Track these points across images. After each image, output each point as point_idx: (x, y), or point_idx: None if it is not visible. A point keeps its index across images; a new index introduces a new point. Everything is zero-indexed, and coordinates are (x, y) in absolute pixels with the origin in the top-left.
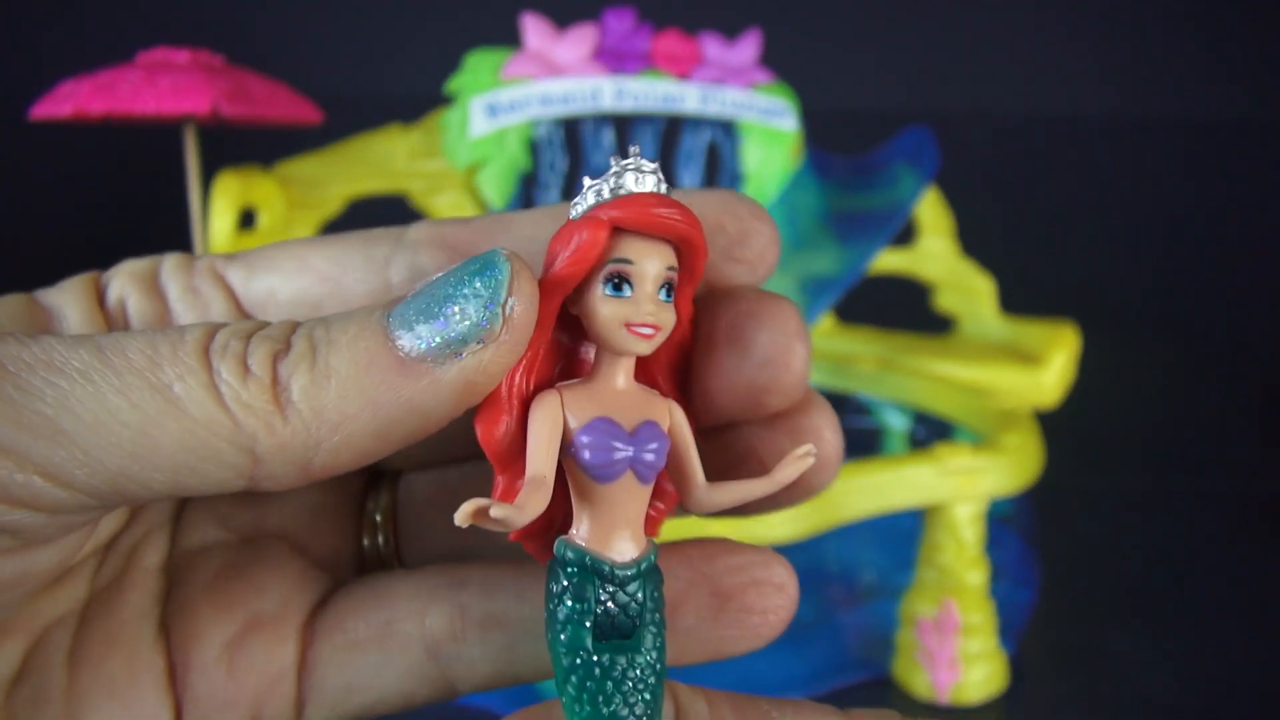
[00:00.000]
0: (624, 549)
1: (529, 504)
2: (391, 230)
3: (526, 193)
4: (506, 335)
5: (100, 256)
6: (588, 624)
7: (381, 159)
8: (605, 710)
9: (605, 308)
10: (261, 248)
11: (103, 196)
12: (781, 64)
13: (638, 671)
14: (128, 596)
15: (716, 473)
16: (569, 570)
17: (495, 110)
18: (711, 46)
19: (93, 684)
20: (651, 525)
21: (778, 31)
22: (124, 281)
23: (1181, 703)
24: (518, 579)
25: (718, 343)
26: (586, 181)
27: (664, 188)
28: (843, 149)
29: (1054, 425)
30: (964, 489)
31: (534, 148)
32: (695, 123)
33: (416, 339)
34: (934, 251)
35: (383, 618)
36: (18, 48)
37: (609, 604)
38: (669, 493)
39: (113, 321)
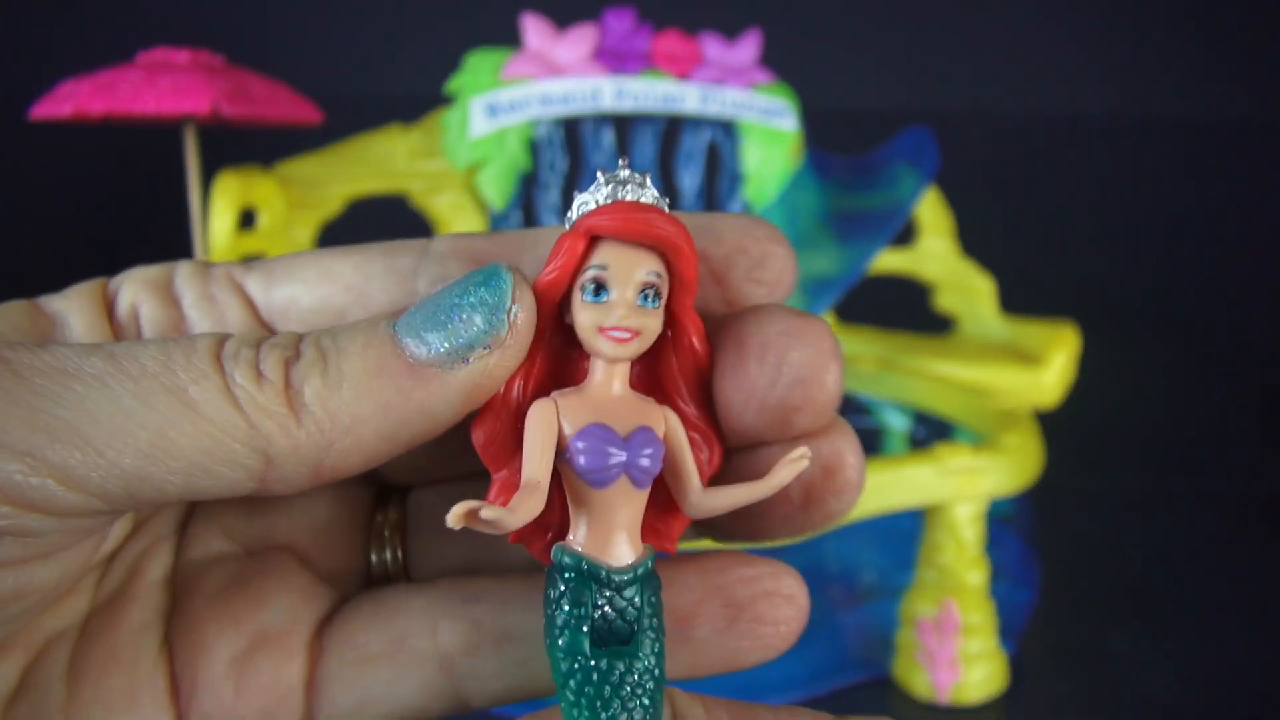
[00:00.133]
0: (620, 554)
1: (521, 507)
2: (412, 242)
3: (526, 193)
4: (511, 340)
5: (100, 257)
6: (585, 629)
7: (381, 159)
8: (604, 715)
9: (584, 313)
10: (278, 257)
11: (103, 196)
12: (781, 64)
13: (636, 677)
14: (129, 610)
15: None
16: (566, 575)
17: (495, 110)
18: (711, 46)
19: (92, 700)
20: (669, 539)
21: (778, 31)
22: (136, 288)
23: (1181, 703)
24: (530, 592)
25: (748, 361)
26: (577, 196)
27: (650, 196)
28: (843, 149)
29: (1054, 425)
30: (964, 489)
31: (534, 148)
32: (695, 123)
33: (425, 345)
34: (934, 251)
35: (394, 633)
36: (18, 48)
37: (606, 609)
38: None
39: (122, 329)
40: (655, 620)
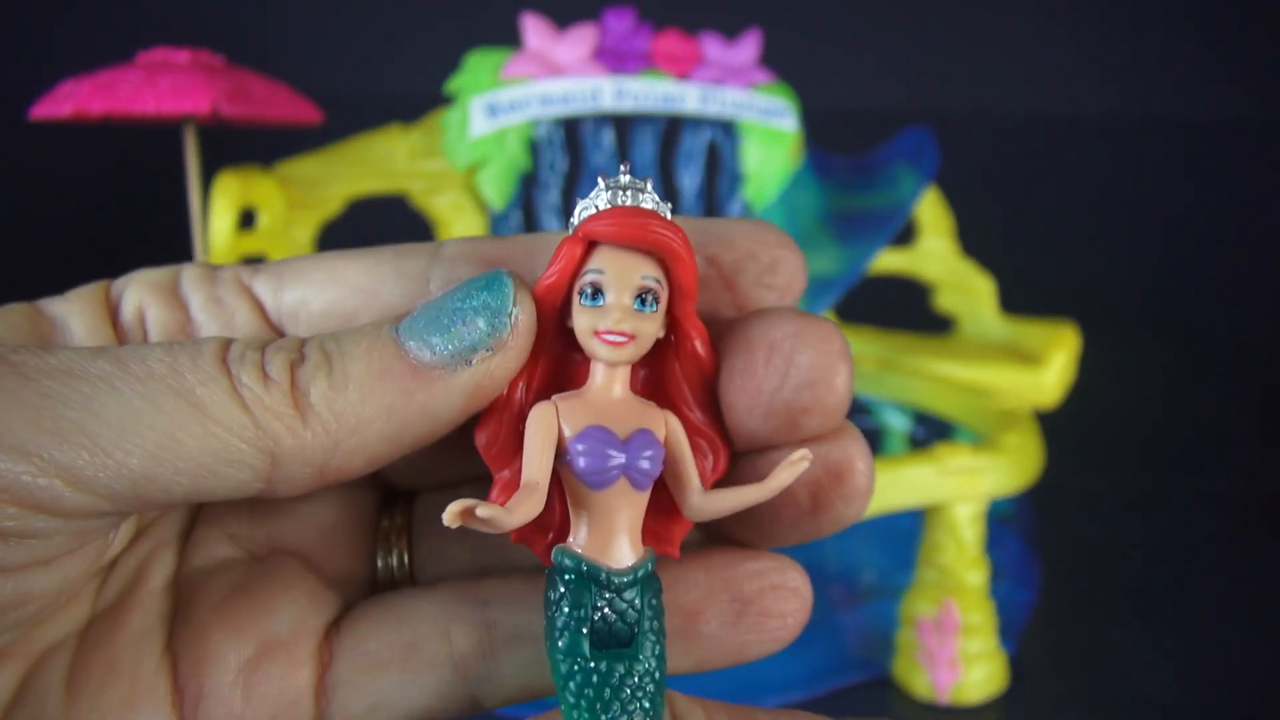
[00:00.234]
0: (620, 556)
1: (519, 508)
2: (422, 245)
3: (526, 193)
4: (513, 342)
5: (100, 257)
6: (584, 630)
7: (381, 159)
8: (603, 718)
9: (581, 317)
10: (286, 260)
11: (103, 196)
12: (781, 64)
13: (636, 679)
14: (130, 618)
15: None
16: (566, 577)
17: (495, 110)
18: (711, 46)
19: (91, 710)
20: (671, 543)
21: (778, 31)
22: (141, 291)
23: (1181, 703)
24: (539, 592)
25: (755, 363)
26: (579, 201)
27: (650, 201)
28: (843, 149)
29: (1054, 425)
30: (964, 489)
31: (534, 148)
32: (695, 123)
33: (429, 348)
34: (934, 251)
35: (406, 637)
36: (18, 48)
37: (606, 610)
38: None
39: (126, 332)
40: (656, 623)
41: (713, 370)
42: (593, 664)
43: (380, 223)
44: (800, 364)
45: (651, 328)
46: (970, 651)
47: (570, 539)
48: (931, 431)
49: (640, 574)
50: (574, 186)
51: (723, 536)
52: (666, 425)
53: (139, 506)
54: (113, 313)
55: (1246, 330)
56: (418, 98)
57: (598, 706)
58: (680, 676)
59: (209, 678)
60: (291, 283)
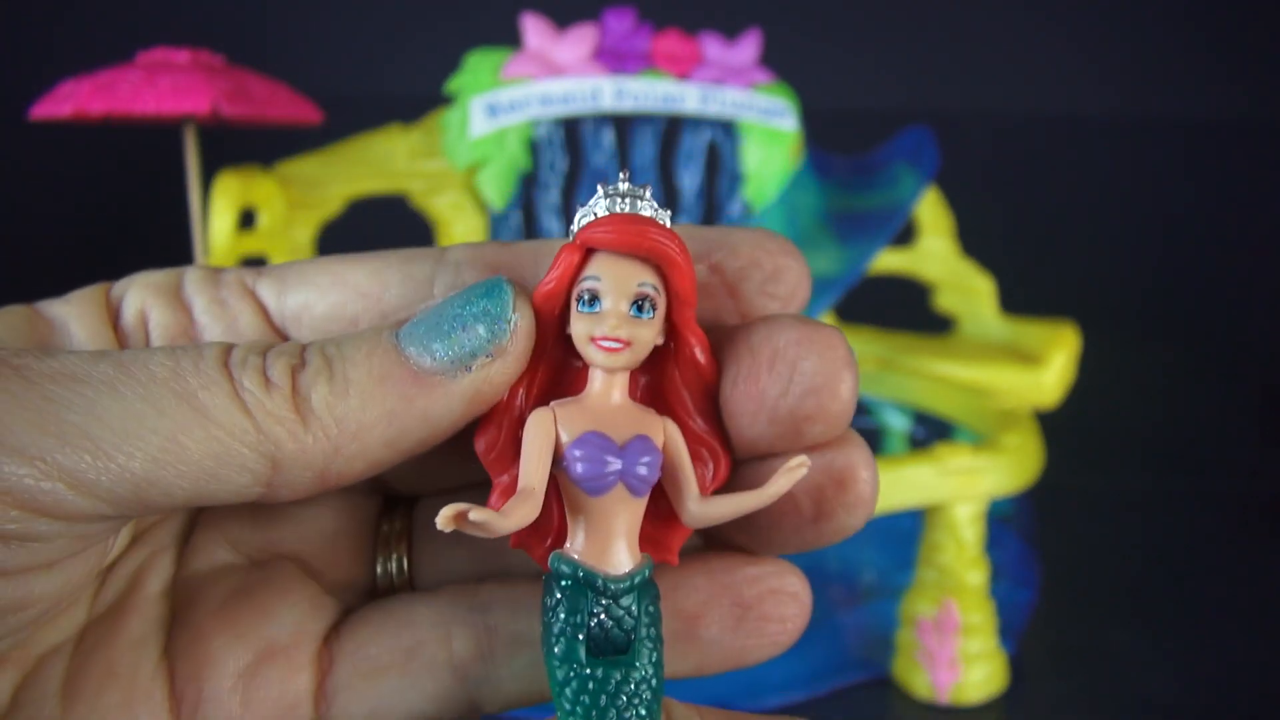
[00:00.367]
0: (618, 562)
1: (515, 512)
2: (427, 250)
3: (526, 193)
4: (512, 348)
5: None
6: (581, 636)
7: (381, 159)
8: None
9: (578, 324)
10: (289, 263)
11: (103, 196)
12: (781, 64)
13: (632, 686)
14: (128, 623)
15: None
16: (563, 583)
17: (495, 110)
18: (711, 46)
19: (88, 715)
20: (670, 550)
21: (778, 31)
22: (143, 294)
23: (1181, 703)
24: (539, 599)
25: (758, 370)
26: (579, 209)
27: (649, 208)
28: (843, 149)
29: (1054, 425)
30: (964, 489)
31: (534, 148)
32: (695, 123)
33: (429, 354)
34: (934, 251)
35: (406, 642)
36: (18, 48)
37: (602, 616)
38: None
39: (129, 335)
40: (653, 630)
41: (713, 377)
42: (589, 670)
43: (380, 223)
44: (804, 370)
45: (648, 334)
46: (970, 651)
47: (568, 545)
48: (931, 431)
49: (637, 580)
50: (574, 186)
51: (723, 543)
52: (665, 432)
53: (141, 510)
54: (113, 315)
55: (1246, 330)
56: (418, 98)
57: (594, 713)
58: (681, 679)
59: (208, 683)
60: (295, 286)
